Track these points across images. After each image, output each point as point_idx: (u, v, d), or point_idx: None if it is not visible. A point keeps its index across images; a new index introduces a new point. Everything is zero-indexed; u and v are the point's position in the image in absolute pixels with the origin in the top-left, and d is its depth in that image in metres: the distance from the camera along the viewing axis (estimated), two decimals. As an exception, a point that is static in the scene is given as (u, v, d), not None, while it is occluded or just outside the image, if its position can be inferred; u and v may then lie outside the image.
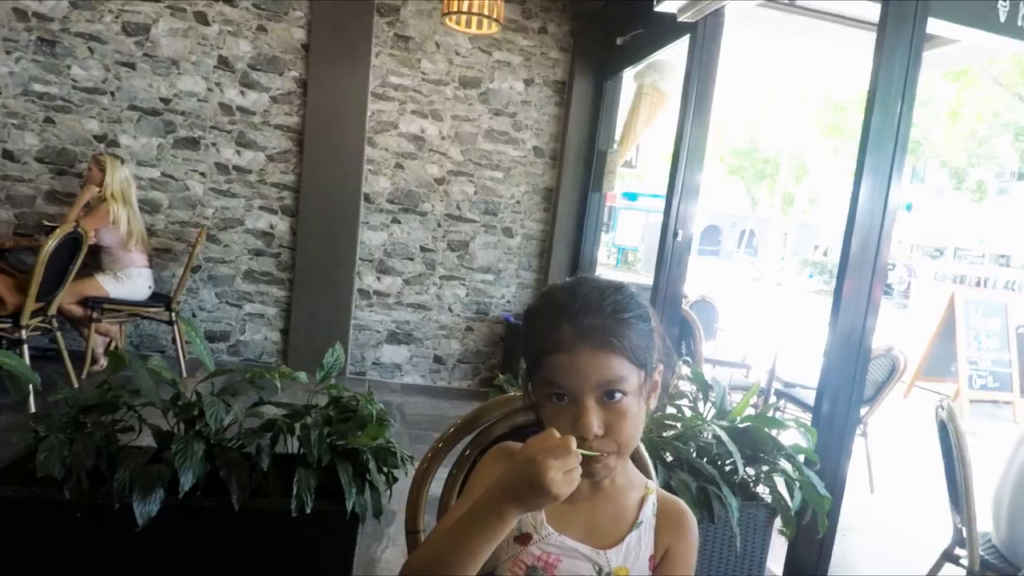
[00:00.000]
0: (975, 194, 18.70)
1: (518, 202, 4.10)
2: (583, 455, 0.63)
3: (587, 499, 0.76)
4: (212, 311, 3.83)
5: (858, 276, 1.68)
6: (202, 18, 3.57)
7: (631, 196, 18.45)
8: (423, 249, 4.01)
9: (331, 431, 1.48)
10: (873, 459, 3.25)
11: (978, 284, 13.42)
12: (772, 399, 3.48)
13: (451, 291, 4.09)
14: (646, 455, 0.91)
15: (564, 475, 0.58)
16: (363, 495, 1.46)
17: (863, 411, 3.14)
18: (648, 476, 0.89)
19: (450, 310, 4.10)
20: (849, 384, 1.71)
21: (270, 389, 1.66)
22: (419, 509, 0.89)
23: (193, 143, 3.66)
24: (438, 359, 4.14)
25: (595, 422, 0.67)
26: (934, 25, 2.94)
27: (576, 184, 4.05)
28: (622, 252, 18.82)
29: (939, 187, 21.82)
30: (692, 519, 0.81)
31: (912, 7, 1.75)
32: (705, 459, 1.61)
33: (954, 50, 3.72)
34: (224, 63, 3.63)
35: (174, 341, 3.54)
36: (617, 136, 4.00)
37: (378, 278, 3.98)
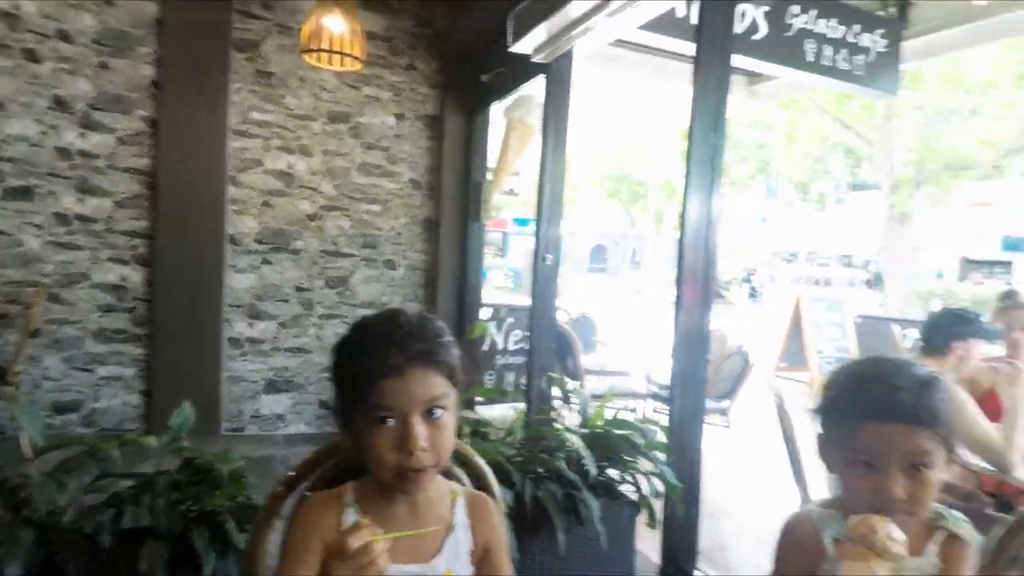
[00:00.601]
0: (818, 204, 21.28)
1: (399, 234, 4.09)
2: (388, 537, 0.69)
3: (406, 520, 0.81)
4: (59, 379, 3.41)
5: (693, 280, 1.88)
6: (31, 55, 3.25)
7: (522, 222, 19.01)
8: (299, 289, 3.86)
9: (181, 496, 1.38)
10: (739, 448, 3.56)
11: (817, 283, 15.27)
12: (650, 402, 3.71)
13: (332, 330, 3.95)
14: (481, 462, 0.96)
15: (359, 571, 0.65)
16: (225, 559, 1.37)
17: (725, 404, 3.45)
18: (486, 481, 0.96)
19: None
20: (693, 376, 1.89)
21: (117, 460, 1.53)
22: (257, 557, 0.88)
23: (25, 192, 3.29)
24: (324, 404, 3.96)
25: (422, 436, 0.75)
26: (754, 64, 3.41)
27: (456, 214, 4.12)
28: (517, 275, 19.25)
29: (788, 200, 24.67)
30: (493, 504, 0.90)
31: (719, 44, 2.00)
32: (574, 468, 1.69)
33: (778, 84, 4.33)
34: (60, 103, 3.31)
35: (12, 419, 3.10)
36: (491, 167, 4.15)
37: (250, 324, 3.76)
